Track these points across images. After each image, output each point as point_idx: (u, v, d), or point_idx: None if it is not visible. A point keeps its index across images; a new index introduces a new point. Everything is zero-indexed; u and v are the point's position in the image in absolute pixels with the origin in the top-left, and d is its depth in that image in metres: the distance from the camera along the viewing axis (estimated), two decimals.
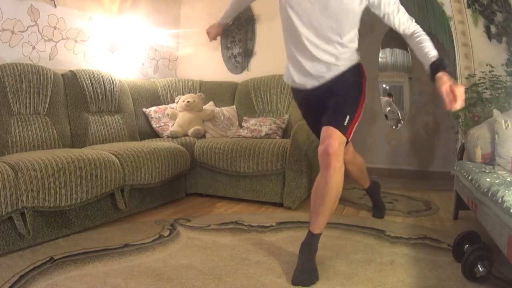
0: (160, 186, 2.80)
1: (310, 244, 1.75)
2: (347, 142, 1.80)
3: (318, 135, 1.89)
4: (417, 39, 1.70)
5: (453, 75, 1.59)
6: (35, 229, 2.00)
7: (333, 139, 1.70)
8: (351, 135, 1.80)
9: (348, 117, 1.76)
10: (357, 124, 1.81)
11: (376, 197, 2.71)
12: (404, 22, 1.73)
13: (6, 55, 2.66)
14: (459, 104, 1.46)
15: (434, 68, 1.58)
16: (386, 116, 5.33)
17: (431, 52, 1.63)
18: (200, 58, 4.32)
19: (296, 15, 1.75)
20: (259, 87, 3.65)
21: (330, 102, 1.82)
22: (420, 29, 1.74)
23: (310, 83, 1.88)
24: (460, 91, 1.46)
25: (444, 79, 1.52)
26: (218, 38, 4.16)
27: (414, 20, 1.76)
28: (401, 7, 1.74)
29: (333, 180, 1.70)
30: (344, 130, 1.74)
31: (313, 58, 1.79)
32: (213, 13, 4.24)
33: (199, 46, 4.32)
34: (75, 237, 2.14)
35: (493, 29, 3.20)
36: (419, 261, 1.88)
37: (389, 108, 5.35)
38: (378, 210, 2.70)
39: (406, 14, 1.75)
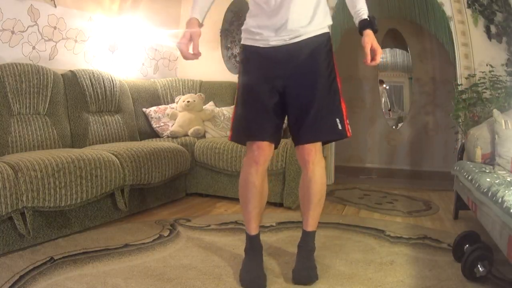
0: (160, 186, 2.80)
1: (306, 242, 1.74)
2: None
3: (256, 127, 1.64)
4: None
5: (377, 30, 1.64)
6: (35, 229, 2.00)
7: (313, 146, 1.64)
8: (349, 128, 1.68)
9: (337, 119, 1.63)
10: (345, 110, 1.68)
11: None
12: None
13: (6, 55, 2.66)
14: (375, 63, 1.60)
15: (362, 26, 1.64)
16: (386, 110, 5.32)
17: (362, 9, 1.66)
18: (200, 58, 4.28)
19: None
20: None
21: (304, 102, 1.61)
22: None
23: (273, 38, 1.59)
24: (379, 53, 1.59)
25: (369, 37, 1.61)
26: (218, 41, 4.18)
27: None
28: None
29: (315, 175, 1.66)
30: (344, 134, 1.64)
31: None
32: (213, 13, 4.24)
33: (199, 46, 4.31)
34: (75, 237, 2.14)
35: (493, 29, 3.21)
36: (419, 261, 1.88)
37: (383, 97, 5.35)
38: None
39: None
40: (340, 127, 1.63)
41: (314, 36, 1.62)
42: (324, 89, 1.62)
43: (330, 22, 1.70)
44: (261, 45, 1.62)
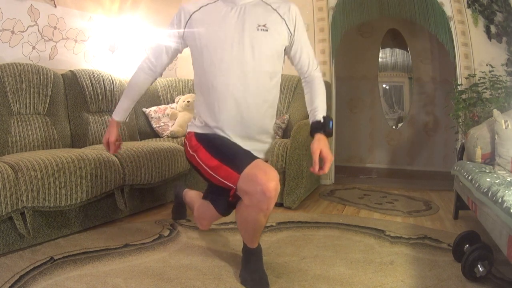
0: (160, 186, 2.80)
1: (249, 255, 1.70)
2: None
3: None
4: (314, 87, 1.66)
5: (331, 134, 1.59)
6: (35, 229, 2.00)
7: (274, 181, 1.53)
8: None
9: None
10: None
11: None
12: (305, 63, 1.67)
13: (6, 55, 2.66)
14: (323, 173, 1.51)
15: (315, 128, 1.57)
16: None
17: (320, 108, 1.61)
18: None
19: None
20: None
21: None
22: (321, 79, 1.69)
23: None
24: (329, 162, 1.50)
25: (320, 143, 1.52)
26: None
27: (318, 67, 1.70)
28: (311, 49, 1.69)
29: (267, 216, 1.60)
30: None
31: None
32: None
33: None
34: (75, 237, 2.14)
35: (493, 29, 3.21)
36: (419, 261, 1.88)
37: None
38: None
39: (312, 55, 1.69)
40: None
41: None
42: None
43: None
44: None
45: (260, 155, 1.66)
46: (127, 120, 1.92)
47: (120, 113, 1.85)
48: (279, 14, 1.59)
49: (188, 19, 1.63)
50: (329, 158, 1.51)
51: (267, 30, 1.55)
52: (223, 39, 1.55)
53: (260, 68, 1.57)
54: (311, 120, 1.61)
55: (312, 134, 1.59)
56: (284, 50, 1.66)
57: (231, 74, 1.55)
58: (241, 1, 1.58)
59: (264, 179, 1.47)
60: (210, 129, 1.64)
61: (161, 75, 1.84)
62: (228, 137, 1.61)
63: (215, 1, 1.62)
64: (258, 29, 1.55)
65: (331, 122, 1.58)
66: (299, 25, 1.62)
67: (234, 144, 1.60)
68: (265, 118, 1.65)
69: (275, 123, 3.28)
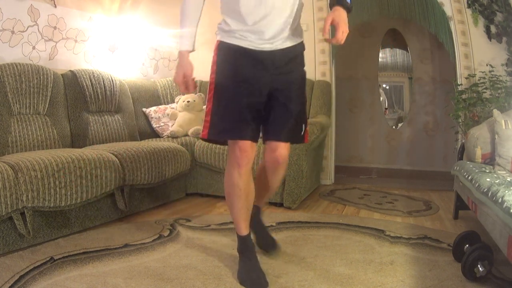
0: (160, 186, 2.80)
1: (255, 219, 1.93)
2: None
3: (242, 126, 1.62)
4: None
5: (349, 9, 1.49)
6: (35, 229, 2.00)
7: (285, 150, 1.70)
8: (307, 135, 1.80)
9: (303, 125, 1.73)
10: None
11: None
12: None
13: (6, 55, 2.66)
14: (336, 42, 1.47)
15: (334, 1, 1.52)
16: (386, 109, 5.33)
17: None
18: (200, 58, 4.31)
19: None
20: None
21: (284, 102, 1.64)
22: None
23: (262, 43, 1.59)
24: (342, 30, 1.44)
25: (336, 13, 1.47)
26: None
27: None
28: None
29: (279, 178, 1.84)
30: (302, 140, 1.75)
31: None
32: (213, 13, 4.25)
33: (199, 46, 4.30)
34: (75, 237, 2.14)
35: (493, 29, 3.21)
36: (419, 261, 1.88)
37: (382, 98, 5.35)
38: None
39: None
40: (302, 133, 1.73)
41: (297, 44, 1.68)
42: (302, 94, 1.72)
43: (303, 35, 1.74)
44: (246, 46, 1.61)
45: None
46: (195, 47, 1.72)
47: (189, 42, 1.68)
48: None
49: None
50: (341, 25, 1.44)
51: None
52: None
53: None
54: None
55: (330, 6, 1.55)
56: None
57: None
58: None
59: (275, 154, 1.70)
60: (233, 36, 1.61)
61: None
62: (247, 44, 1.59)
63: None
64: None
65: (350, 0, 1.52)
66: None
67: (238, 101, 1.60)
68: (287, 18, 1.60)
69: None
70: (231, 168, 1.66)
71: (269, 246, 1.97)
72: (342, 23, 1.45)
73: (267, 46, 1.60)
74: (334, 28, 1.48)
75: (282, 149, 1.69)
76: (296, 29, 1.66)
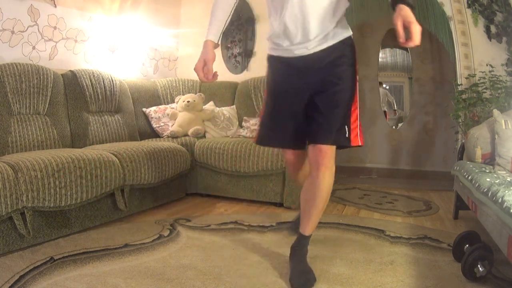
0: (160, 186, 2.80)
1: (301, 245, 1.72)
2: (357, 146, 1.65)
3: (287, 138, 1.69)
4: None
5: (414, 11, 1.42)
6: (35, 229, 2.00)
7: (321, 153, 1.57)
8: (359, 135, 1.63)
9: (346, 127, 1.60)
10: (359, 124, 1.64)
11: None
12: None
13: (6, 55, 2.66)
14: (413, 43, 1.39)
15: (394, 2, 1.43)
16: (385, 112, 5.33)
17: None
18: None
19: None
20: (259, 87, 3.64)
21: (322, 104, 1.60)
22: None
23: (296, 49, 1.60)
24: (416, 29, 1.36)
25: (402, 12, 1.38)
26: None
27: None
28: None
29: (324, 181, 1.60)
30: (348, 142, 1.60)
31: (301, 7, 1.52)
32: None
33: (199, 46, 4.30)
34: (75, 237, 2.14)
35: (493, 29, 3.21)
36: (419, 261, 1.88)
37: (387, 98, 5.36)
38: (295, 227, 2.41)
39: None
40: (346, 135, 1.61)
41: (337, 43, 1.61)
42: (344, 95, 1.61)
43: (350, 32, 1.66)
44: (280, 55, 1.66)
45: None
46: (219, 42, 1.72)
47: (215, 33, 1.68)
48: None
49: None
50: (413, 25, 1.35)
51: None
52: None
53: None
54: None
55: (393, 9, 1.44)
56: None
57: None
58: None
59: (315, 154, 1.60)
60: (270, 47, 1.69)
61: None
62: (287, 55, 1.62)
63: None
64: None
65: None
66: None
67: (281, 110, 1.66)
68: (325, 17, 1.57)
69: None
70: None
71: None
72: (414, 22, 1.37)
73: (302, 51, 1.60)
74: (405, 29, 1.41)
75: (319, 152, 1.59)
76: (336, 27, 1.60)
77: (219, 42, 1.72)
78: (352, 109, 1.63)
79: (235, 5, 1.74)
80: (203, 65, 1.67)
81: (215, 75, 1.68)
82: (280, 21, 1.58)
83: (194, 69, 1.68)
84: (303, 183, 1.73)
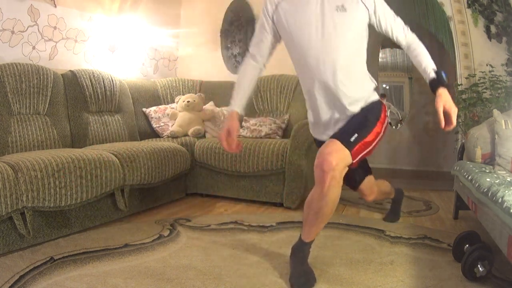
0: (160, 186, 2.80)
1: (302, 250, 1.71)
2: (352, 165, 1.62)
3: None
4: (414, 53, 1.70)
5: (452, 83, 1.56)
6: (35, 229, 2.00)
7: (331, 156, 1.52)
8: (358, 157, 1.60)
9: (356, 135, 1.60)
10: (368, 149, 1.64)
11: (397, 204, 2.59)
12: (400, 31, 1.72)
13: (6, 55, 2.66)
14: (452, 127, 1.53)
15: (434, 85, 1.59)
16: (390, 123, 5.32)
17: (429, 66, 1.64)
18: (200, 58, 4.33)
19: None
20: (259, 87, 3.64)
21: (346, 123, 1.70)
22: (416, 39, 1.72)
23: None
24: (454, 113, 1.50)
25: (442, 98, 1.53)
26: (218, 41, 4.20)
27: (409, 28, 1.74)
28: (397, 17, 1.73)
29: (327, 197, 1.55)
30: (349, 146, 1.57)
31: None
32: (213, 13, 4.25)
33: (199, 46, 4.32)
34: (75, 237, 2.14)
35: (493, 29, 3.20)
36: (419, 261, 1.88)
37: (389, 110, 5.36)
38: (393, 215, 2.58)
39: (402, 23, 1.74)
40: (351, 139, 1.59)
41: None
42: (370, 114, 1.69)
43: (372, 85, 1.77)
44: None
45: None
46: (243, 113, 1.82)
47: (238, 105, 1.77)
48: None
49: (275, 9, 1.69)
50: (453, 110, 1.51)
51: (345, 10, 1.59)
52: (306, 23, 1.61)
53: (344, 46, 1.61)
54: (427, 80, 1.64)
55: (433, 92, 1.60)
56: (376, 27, 1.71)
57: (315, 57, 1.62)
58: None
59: (319, 156, 1.57)
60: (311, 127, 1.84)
61: (264, 64, 1.84)
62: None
63: None
64: (337, 10, 1.59)
65: (444, 74, 1.59)
66: (378, 1, 1.66)
67: None
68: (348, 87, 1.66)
69: (275, 123, 3.30)
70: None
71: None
72: (453, 107, 1.51)
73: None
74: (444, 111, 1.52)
75: (325, 148, 1.57)
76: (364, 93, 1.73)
77: (244, 113, 1.81)
78: (371, 130, 1.65)
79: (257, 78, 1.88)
80: (227, 135, 1.69)
81: (239, 145, 1.72)
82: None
83: (218, 138, 1.76)
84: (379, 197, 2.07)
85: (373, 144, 1.66)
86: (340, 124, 1.70)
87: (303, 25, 1.62)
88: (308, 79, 1.69)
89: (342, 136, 1.61)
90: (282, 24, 1.68)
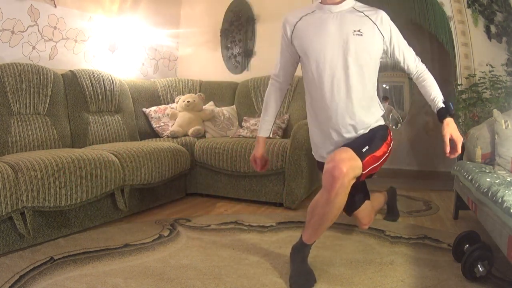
0: (160, 186, 2.80)
1: (302, 251, 1.73)
2: (359, 178, 1.59)
3: None
4: (423, 83, 1.76)
5: (456, 115, 1.68)
6: (35, 229, 2.00)
7: (343, 163, 1.50)
8: (367, 169, 1.59)
9: (367, 147, 1.61)
10: (376, 164, 1.65)
11: (391, 204, 2.62)
12: (412, 61, 1.77)
13: (6, 55, 2.66)
14: (456, 155, 1.60)
15: (441, 114, 1.66)
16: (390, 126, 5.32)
17: (437, 97, 1.70)
18: (200, 58, 4.33)
19: None
20: (259, 87, 3.65)
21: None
22: (425, 70, 1.79)
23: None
24: (460, 142, 1.59)
25: (449, 127, 1.61)
26: (218, 41, 4.20)
27: (420, 60, 1.80)
28: (409, 47, 1.77)
29: (333, 204, 1.56)
30: (361, 156, 1.56)
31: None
32: (213, 13, 4.25)
33: (199, 46, 4.32)
34: (75, 237, 2.14)
35: (493, 29, 3.21)
36: (419, 261, 1.88)
37: (391, 114, 5.36)
38: (391, 215, 2.61)
39: (413, 53, 1.79)
40: (363, 150, 1.60)
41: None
42: (372, 134, 1.72)
43: (381, 112, 1.79)
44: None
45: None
46: (271, 135, 2.01)
47: (264, 130, 1.92)
48: (371, 20, 1.67)
49: (293, 30, 1.74)
50: (460, 139, 1.60)
51: (362, 35, 1.63)
52: (323, 45, 1.66)
53: (360, 71, 1.66)
54: (435, 110, 1.71)
55: (440, 120, 1.67)
56: (389, 55, 1.76)
57: (330, 84, 1.67)
58: (337, 9, 1.68)
59: (330, 161, 1.56)
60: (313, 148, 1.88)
61: (288, 84, 1.92)
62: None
63: (313, 11, 1.73)
64: (354, 34, 1.63)
65: (451, 105, 1.67)
66: (394, 30, 1.70)
67: None
68: (356, 113, 1.69)
69: (275, 123, 3.31)
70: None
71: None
72: (459, 136, 1.61)
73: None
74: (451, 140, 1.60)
75: (337, 154, 1.56)
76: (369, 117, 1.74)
77: (270, 135, 1.98)
78: (380, 146, 1.67)
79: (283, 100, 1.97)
80: (254, 160, 1.94)
81: (265, 166, 1.96)
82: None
83: (251, 161, 1.97)
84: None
85: (381, 161, 1.69)
86: (341, 145, 1.71)
87: (324, 49, 1.65)
88: (319, 101, 1.71)
89: (354, 145, 1.62)
90: (301, 48, 1.71)
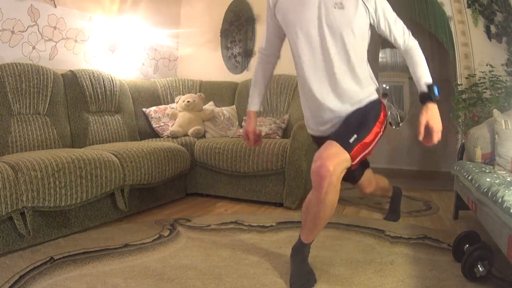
0: (160, 186, 2.80)
1: (301, 251, 1.72)
2: (352, 166, 1.59)
3: None
4: (410, 60, 1.67)
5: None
6: (35, 229, 2.00)
7: (328, 161, 1.49)
8: (357, 159, 1.58)
9: (355, 135, 1.58)
10: (367, 149, 1.62)
11: (395, 203, 2.61)
12: (399, 34, 1.67)
13: (6, 55, 2.66)
14: (431, 144, 1.53)
15: (422, 99, 1.58)
16: (390, 123, 5.32)
17: (422, 78, 1.61)
18: (200, 58, 4.33)
19: None
20: None
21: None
22: (414, 46, 1.68)
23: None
24: (437, 132, 1.51)
25: (427, 114, 1.53)
26: (218, 41, 4.19)
27: (410, 34, 1.70)
28: (399, 20, 1.69)
29: (325, 203, 1.54)
30: (348, 148, 1.54)
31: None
32: (213, 13, 4.25)
33: (199, 46, 4.32)
34: (75, 237, 2.14)
35: (493, 29, 3.21)
36: (419, 261, 1.88)
37: (390, 111, 5.36)
38: (393, 214, 2.60)
39: (403, 27, 1.70)
40: (350, 141, 1.57)
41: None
42: (369, 114, 1.67)
43: (373, 86, 1.74)
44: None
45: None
46: (261, 109, 1.97)
47: (254, 104, 1.89)
48: None
49: (276, 2, 1.70)
50: (436, 128, 1.51)
51: (343, 8, 1.57)
52: (302, 18, 1.61)
53: (340, 44, 1.61)
54: (419, 91, 1.62)
55: (422, 103, 1.58)
56: (375, 27, 1.70)
57: (310, 56, 1.63)
58: None
59: (317, 159, 1.54)
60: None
61: (276, 57, 1.88)
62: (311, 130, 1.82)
63: None
64: (335, 7, 1.57)
65: (436, 89, 1.57)
66: (379, 2, 1.63)
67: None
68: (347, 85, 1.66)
69: (275, 123, 3.30)
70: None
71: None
72: (436, 125, 1.51)
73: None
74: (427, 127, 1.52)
75: (322, 152, 1.54)
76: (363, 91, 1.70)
77: (261, 108, 1.97)
78: (370, 131, 1.63)
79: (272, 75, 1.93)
80: (246, 135, 1.92)
81: (258, 141, 1.93)
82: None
83: (243, 136, 1.94)
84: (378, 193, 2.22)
85: (373, 145, 1.65)
86: (335, 121, 1.69)
87: (302, 21, 1.61)
88: (306, 74, 1.67)
89: (341, 137, 1.59)
90: (283, 20, 1.69)
